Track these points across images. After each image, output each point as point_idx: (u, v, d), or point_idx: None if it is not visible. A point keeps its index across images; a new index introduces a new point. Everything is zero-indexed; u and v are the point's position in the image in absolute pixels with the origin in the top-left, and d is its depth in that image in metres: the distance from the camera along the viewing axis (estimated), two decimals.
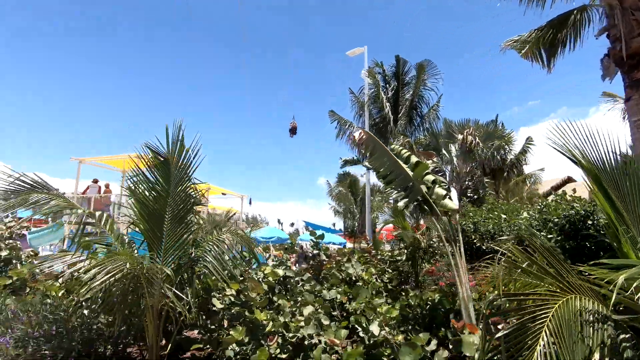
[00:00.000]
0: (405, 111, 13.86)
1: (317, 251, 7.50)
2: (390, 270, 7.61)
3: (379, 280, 7.40)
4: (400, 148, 5.47)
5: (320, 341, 4.18)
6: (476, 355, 2.55)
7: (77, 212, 3.13)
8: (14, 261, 5.19)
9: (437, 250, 7.82)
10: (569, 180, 28.81)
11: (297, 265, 8.79)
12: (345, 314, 5.24)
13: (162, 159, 3.21)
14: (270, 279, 5.37)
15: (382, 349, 3.02)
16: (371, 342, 3.17)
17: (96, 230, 3.35)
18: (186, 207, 3.67)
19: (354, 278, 7.20)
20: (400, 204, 4.91)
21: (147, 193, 3.35)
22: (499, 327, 3.74)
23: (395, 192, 5.04)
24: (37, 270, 5.13)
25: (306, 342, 4.15)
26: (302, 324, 4.19)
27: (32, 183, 2.95)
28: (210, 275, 3.74)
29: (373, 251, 9.42)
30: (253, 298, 3.93)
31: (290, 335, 4.08)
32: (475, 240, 8.44)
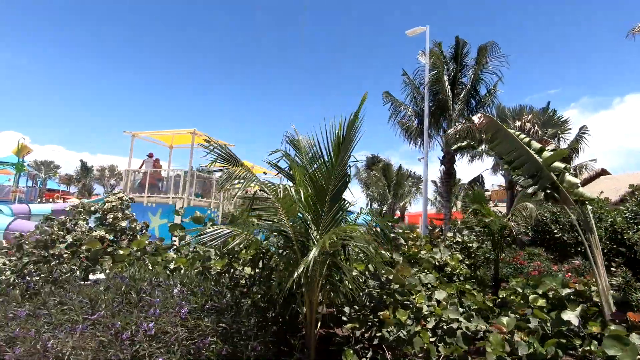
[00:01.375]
0: (465, 95, 13.37)
1: (393, 235, 7.46)
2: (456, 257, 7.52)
3: (464, 267, 7.32)
4: (518, 133, 5.21)
5: (461, 326, 4.09)
6: None
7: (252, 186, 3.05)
8: (127, 232, 5.22)
9: (521, 238, 7.64)
10: (603, 172, 27.79)
11: None
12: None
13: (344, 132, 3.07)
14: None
15: (572, 340, 2.89)
16: (554, 331, 3.05)
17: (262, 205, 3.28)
18: (343, 184, 3.58)
19: (437, 263, 7.13)
20: (529, 190, 4.71)
21: (319, 167, 3.26)
22: None
23: (522, 178, 4.83)
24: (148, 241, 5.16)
25: (445, 327, 4.07)
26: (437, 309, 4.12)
27: (225, 155, 2.87)
28: (365, 256, 3.66)
29: (441, 236, 9.33)
30: (401, 280, 3.84)
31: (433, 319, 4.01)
32: (555, 231, 8.20)
